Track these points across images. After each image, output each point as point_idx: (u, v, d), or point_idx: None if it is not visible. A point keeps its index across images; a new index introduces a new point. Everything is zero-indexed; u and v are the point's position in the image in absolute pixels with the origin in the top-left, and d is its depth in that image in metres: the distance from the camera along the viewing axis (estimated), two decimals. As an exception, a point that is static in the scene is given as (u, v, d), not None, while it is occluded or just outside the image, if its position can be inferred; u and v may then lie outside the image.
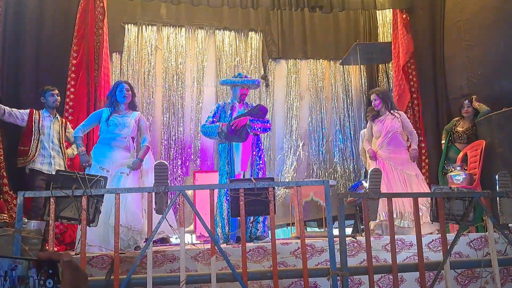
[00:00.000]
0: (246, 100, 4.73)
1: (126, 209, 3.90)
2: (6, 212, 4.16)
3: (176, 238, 5.52)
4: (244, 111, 4.50)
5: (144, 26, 6.77)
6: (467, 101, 5.14)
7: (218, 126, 4.39)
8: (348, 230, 5.54)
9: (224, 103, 4.69)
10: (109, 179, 3.94)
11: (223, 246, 3.55)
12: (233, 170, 4.39)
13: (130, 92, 4.35)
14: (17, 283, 0.74)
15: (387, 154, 4.77)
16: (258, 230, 4.24)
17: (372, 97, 4.99)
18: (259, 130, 4.44)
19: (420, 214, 4.43)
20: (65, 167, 4.56)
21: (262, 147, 4.68)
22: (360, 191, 4.97)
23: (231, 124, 4.34)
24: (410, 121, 5.94)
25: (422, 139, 5.90)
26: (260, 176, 4.37)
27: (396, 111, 4.91)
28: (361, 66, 7.36)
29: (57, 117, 4.68)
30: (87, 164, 4.14)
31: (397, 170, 4.68)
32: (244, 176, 4.32)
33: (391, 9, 6.64)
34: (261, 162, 4.50)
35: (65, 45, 5.36)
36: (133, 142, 4.42)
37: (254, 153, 4.46)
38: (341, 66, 7.43)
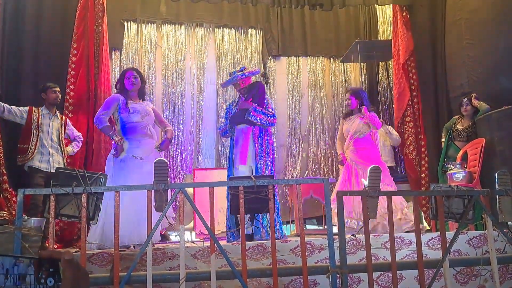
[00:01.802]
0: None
1: (140, 226, 3.85)
2: (6, 210, 4.17)
3: (176, 235, 5.54)
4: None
5: (143, 24, 6.77)
6: (466, 99, 5.14)
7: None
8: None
9: (233, 101, 4.73)
10: (143, 166, 3.92)
11: (223, 244, 3.55)
12: (231, 166, 4.35)
13: (138, 79, 4.21)
14: (18, 281, 0.75)
15: (353, 155, 4.81)
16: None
17: (346, 96, 5.05)
18: (259, 121, 4.26)
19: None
20: (64, 165, 4.56)
21: (270, 139, 4.41)
22: None
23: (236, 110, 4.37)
24: (410, 119, 5.95)
25: (422, 137, 5.90)
26: (263, 171, 4.22)
27: (368, 112, 4.82)
28: (361, 63, 7.36)
29: (57, 115, 4.67)
30: (121, 154, 3.98)
31: (360, 179, 4.59)
32: (252, 170, 4.19)
33: (391, 7, 6.63)
34: (265, 155, 4.29)
35: (64, 42, 5.36)
36: (154, 130, 4.33)
37: (257, 145, 4.29)
38: (341, 64, 7.43)
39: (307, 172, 7.05)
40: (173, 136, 4.70)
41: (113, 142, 4.12)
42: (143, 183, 3.58)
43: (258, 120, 4.28)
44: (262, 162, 4.27)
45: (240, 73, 4.43)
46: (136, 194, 3.67)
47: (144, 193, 3.77)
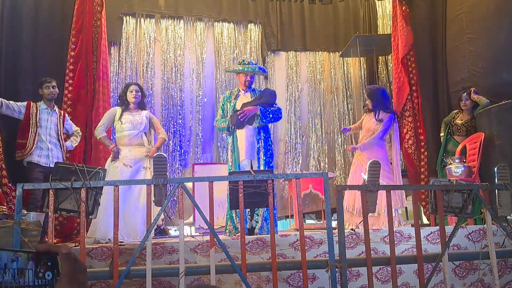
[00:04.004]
0: (254, 86, 4.66)
1: (130, 224, 4.16)
2: (5, 204, 4.17)
3: (176, 230, 5.55)
4: (250, 99, 4.46)
5: (142, 18, 6.74)
6: (465, 93, 5.13)
7: (228, 121, 4.39)
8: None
9: (230, 92, 4.66)
10: (130, 173, 4.31)
11: (222, 238, 3.56)
12: (237, 159, 4.33)
13: (140, 93, 4.62)
14: (17, 276, 0.74)
15: (361, 151, 4.95)
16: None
17: (365, 96, 5.27)
18: (270, 121, 4.41)
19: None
20: (63, 159, 4.56)
21: (269, 133, 4.50)
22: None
23: (238, 114, 4.31)
24: (410, 114, 5.94)
25: (421, 131, 5.89)
26: (265, 163, 4.31)
27: (384, 112, 4.92)
28: (361, 58, 7.34)
29: (55, 109, 4.66)
30: (115, 160, 4.37)
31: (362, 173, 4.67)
32: (251, 164, 4.29)
33: (390, 1, 6.60)
34: (265, 150, 4.37)
35: (63, 37, 5.32)
36: (147, 138, 4.62)
37: (259, 138, 4.36)
38: (341, 58, 7.41)
39: (306, 166, 7.06)
40: (165, 142, 5.11)
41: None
42: (127, 190, 4.08)
43: (268, 120, 4.39)
44: (263, 157, 4.30)
45: (262, 68, 4.72)
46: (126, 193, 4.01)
47: (131, 192, 4.04)
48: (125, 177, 4.22)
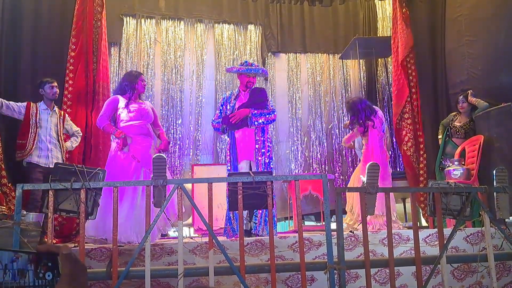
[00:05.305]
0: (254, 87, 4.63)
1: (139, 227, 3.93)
2: (5, 205, 4.18)
3: (175, 231, 5.55)
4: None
5: (142, 19, 6.76)
6: (462, 96, 5.14)
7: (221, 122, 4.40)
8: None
9: (231, 93, 4.65)
10: (138, 169, 4.05)
11: (221, 239, 3.56)
12: (235, 159, 4.33)
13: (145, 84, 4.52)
14: (17, 276, 0.75)
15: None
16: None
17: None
18: (262, 123, 4.34)
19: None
20: (63, 160, 4.55)
21: (268, 135, 4.46)
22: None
23: (229, 116, 4.32)
24: (409, 116, 5.95)
25: (421, 134, 5.90)
26: (264, 164, 4.30)
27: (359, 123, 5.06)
28: (360, 60, 7.35)
29: (55, 110, 4.66)
30: (125, 148, 4.11)
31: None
32: (250, 166, 4.29)
33: (391, 3, 6.61)
34: (264, 150, 4.35)
35: (63, 37, 5.33)
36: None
37: (258, 139, 4.34)
38: (340, 60, 7.42)
39: (306, 167, 7.06)
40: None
41: (115, 138, 4.26)
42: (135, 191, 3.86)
43: (260, 123, 4.34)
44: (261, 159, 4.30)
45: (264, 70, 4.71)
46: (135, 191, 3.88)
47: (129, 194, 3.95)
48: (134, 174, 4.02)
